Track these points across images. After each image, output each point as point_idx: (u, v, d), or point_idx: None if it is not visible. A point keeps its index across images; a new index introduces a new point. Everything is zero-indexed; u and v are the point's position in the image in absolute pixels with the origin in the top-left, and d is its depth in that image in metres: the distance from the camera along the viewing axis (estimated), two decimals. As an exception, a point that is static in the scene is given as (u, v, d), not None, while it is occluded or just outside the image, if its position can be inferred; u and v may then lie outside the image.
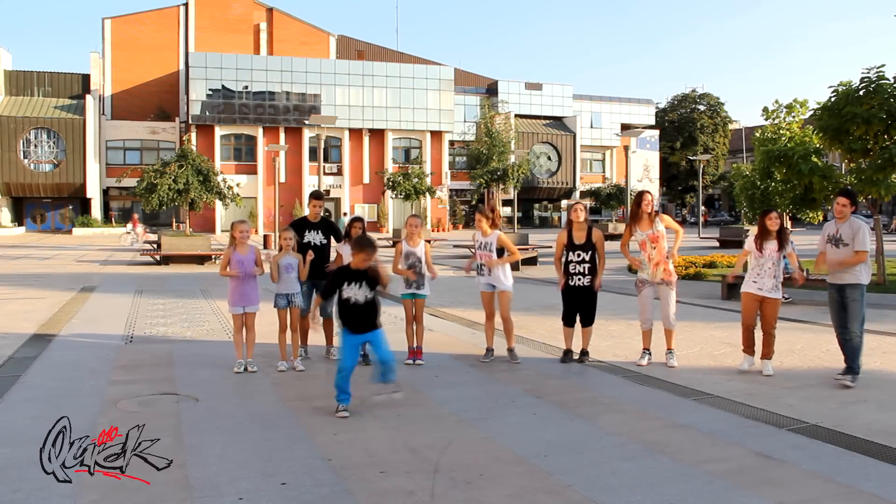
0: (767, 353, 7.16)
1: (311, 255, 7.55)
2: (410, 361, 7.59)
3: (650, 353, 7.65)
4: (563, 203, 63.35)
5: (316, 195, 8.14)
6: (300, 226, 7.97)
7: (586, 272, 7.61)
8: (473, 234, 8.06)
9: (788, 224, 26.00)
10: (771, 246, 7.16)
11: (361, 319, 5.74)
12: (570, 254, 7.68)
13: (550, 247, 27.22)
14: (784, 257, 7.25)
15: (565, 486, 4.20)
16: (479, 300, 7.97)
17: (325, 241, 7.99)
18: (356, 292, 5.73)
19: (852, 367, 6.65)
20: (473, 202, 58.59)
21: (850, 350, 6.66)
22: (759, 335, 7.25)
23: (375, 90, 52.51)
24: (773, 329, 7.15)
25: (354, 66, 52.88)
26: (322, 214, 8.13)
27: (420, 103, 53.53)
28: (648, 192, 7.85)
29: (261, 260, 7.44)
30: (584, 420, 5.62)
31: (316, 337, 8.61)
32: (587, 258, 7.60)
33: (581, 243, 7.64)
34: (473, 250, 8.02)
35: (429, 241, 32.90)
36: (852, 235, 6.72)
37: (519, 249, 20.91)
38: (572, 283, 7.69)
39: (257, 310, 7.41)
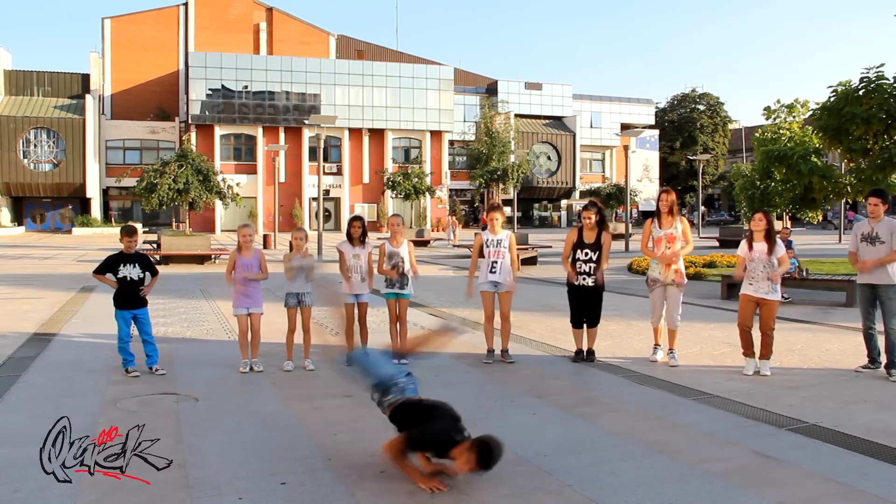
0: (765, 354, 7.17)
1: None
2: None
3: (661, 348, 7.75)
4: (563, 203, 63.34)
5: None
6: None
7: (591, 272, 7.62)
8: (475, 232, 8.08)
9: (788, 224, 26.01)
10: (759, 248, 7.14)
11: (133, 295, 7.30)
12: (578, 252, 7.68)
13: (550, 246, 27.24)
14: (785, 257, 7.21)
15: (565, 486, 4.20)
16: (478, 300, 7.95)
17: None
18: (130, 271, 7.37)
19: (893, 360, 6.94)
20: (475, 202, 58.61)
21: (890, 345, 6.98)
22: (757, 335, 7.24)
23: (375, 90, 52.48)
24: (771, 330, 7.14)
25: (354, 65, 52.86)
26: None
27: (420, 103, 53.50)
28: (668, 190, 7.83)
29: (265, 264, 7.47)
30: (584, 420, 5.62)
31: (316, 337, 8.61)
32: (594, 258, 7.60)
33: (591, 242, 7.65)
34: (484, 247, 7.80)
35: (428, 242, 32.99)
36: (890, 233, 6.99)
37: (519, 249, 20.74)
38: (577, 283, 7.69)
39: (261, 311, 7.42)
